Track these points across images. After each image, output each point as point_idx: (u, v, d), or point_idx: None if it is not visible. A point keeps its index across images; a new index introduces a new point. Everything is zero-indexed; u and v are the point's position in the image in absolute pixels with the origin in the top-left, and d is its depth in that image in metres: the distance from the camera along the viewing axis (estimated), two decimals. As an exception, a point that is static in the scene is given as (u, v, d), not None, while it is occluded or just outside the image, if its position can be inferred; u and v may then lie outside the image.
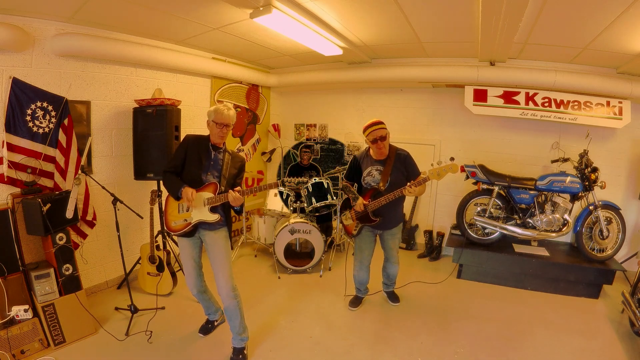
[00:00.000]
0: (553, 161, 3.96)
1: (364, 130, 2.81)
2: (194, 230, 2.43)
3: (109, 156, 3.43)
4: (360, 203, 2.84)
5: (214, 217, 2.40)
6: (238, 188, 2.38)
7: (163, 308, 3.10)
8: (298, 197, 4.16)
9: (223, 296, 2.41)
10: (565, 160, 3.80)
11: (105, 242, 3.45)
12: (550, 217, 3.64)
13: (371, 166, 2.90)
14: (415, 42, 3.51)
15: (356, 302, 3.30)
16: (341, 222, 3.22)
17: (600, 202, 3.62)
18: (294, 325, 2.97)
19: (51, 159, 2.83)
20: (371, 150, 2.90)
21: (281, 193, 4.11)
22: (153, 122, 3.27)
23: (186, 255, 2.52)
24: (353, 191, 2.95)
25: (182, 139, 2.56)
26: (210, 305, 2.79)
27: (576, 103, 3.91)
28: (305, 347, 2.68)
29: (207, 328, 2.81)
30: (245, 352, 2.49)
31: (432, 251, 4.56)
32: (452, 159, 2.58)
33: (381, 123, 2.79)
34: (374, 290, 3.44)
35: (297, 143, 5.60)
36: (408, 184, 2.62)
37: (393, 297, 3.39)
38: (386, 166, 2.83)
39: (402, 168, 2.83)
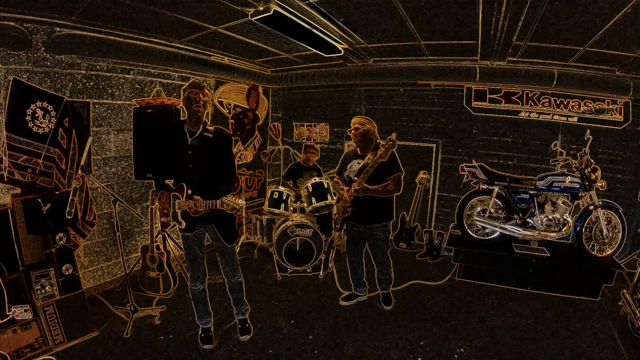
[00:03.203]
0: (553, 161, 3.95)
1: None
2: (192, 227, 2.41)
3: (109, 156, 3.43)
4: (344, 196, 2.96)
5: (182, 225, 2.37)
6: (197, 198, 2.25)
7: (163, 308, 3.10)
8: (298, 197, 4.16)
9: (229, 277, 2.65)
10: (565, 160, 3.80)
11: (105, 242, 3.45)
12: (550, 217, 3.64)
13: (354, 159, 3.06)
14: (415, 43, 3.51)
15: (350, 298, 3.34)
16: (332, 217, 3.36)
17: (600, 202, 3.62)
18: (294, 325, 2.98)
19: (51, 159, 2.83)
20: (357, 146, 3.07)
21: (281, 193, 4.10)
22: (153, 122, 3.27)
23: (188, 247, 2.53)
24: (340, 187, 3.08)
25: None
26: (206, 308, 2.70)
27: (576, 103, 3.91)
28: (306, 348, 2.68)
29: (209, 337, 2.69)
30: (248, 321, 2.82)
31: (432, 251, 4.56)
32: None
33: (361, 118, 3.01)
34: (375, 290, 3.44)
35: (298, 143, 5.60)
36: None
37: (386, 299, 3.29)
38: (368, 161, 2.95)
39: (384, 163, 2.85)
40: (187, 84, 2.35)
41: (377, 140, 3.03)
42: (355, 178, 2.93)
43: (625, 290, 3.05)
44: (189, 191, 2.32)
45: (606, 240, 3.63)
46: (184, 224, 2.38)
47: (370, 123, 2.99)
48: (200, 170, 2.34)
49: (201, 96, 2.30)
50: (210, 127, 2.40)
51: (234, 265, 2.65)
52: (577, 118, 3.98)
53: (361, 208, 2.96)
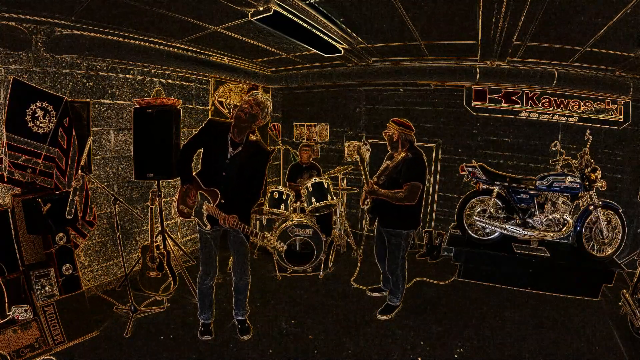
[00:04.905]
0: (553, 161, 3.96)
1: None
2: (212, 224, 2.47)
3: (109, 156, 3.43)
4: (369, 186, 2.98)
5: (207, 227, 2.43)
6: (234, 217, 2.29)
7: (163, 308, 3.10)
8: (298, 197, 4.16)
9: (238, 276, 2.70)
10: (565, 160, 3.80)
11: (105, 242, 3.45)
12: (550, 217, 3.64)
13: (387, 160, 3.13)
14: (415, 43, 3.51)
15: (377, 290, 3.45)
16: None
17: (600, 202, 3.62)
18: (294, 325, 2.98)
19: (51, 159, 2.83)
20: None
21: (281, 193, 4.10)
22: (153, 122, 3.27)
23: (205, 241, 2.57)
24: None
25: (195, 132, 2.54)
26: (210, 303, 2.76)
27: (576, 103, 3.91)
28: (306, 348, 2.68)
29: (209, 330, 2.74)
30: (247, 321, 2.85)
31: (432, 251, 4.56)
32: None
33: (390, 122, 2.99)
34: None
35: (297, 143, 5.60)
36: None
37: (385, 308, 3.15)
38: (391, 163, 3.00)
39: (401, 169, 2.88)
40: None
41: (415, 144, 2.97)
42: (375, 179, 3.05)
43: (625, 290, 3.05)
44: (222, 200, 2.38)
45: (606, 240, 3.63)
46: (209, 226, 2.44)
47: (395, 127, 2.95)
48: (233, 179, 2.41)
49: (249, 107, 2.32)
50: (252, 138, 2.43)
51: (245, 265, 2.71)
52: (577, 118, 3.99)
53: (377, 209, 3.04)
